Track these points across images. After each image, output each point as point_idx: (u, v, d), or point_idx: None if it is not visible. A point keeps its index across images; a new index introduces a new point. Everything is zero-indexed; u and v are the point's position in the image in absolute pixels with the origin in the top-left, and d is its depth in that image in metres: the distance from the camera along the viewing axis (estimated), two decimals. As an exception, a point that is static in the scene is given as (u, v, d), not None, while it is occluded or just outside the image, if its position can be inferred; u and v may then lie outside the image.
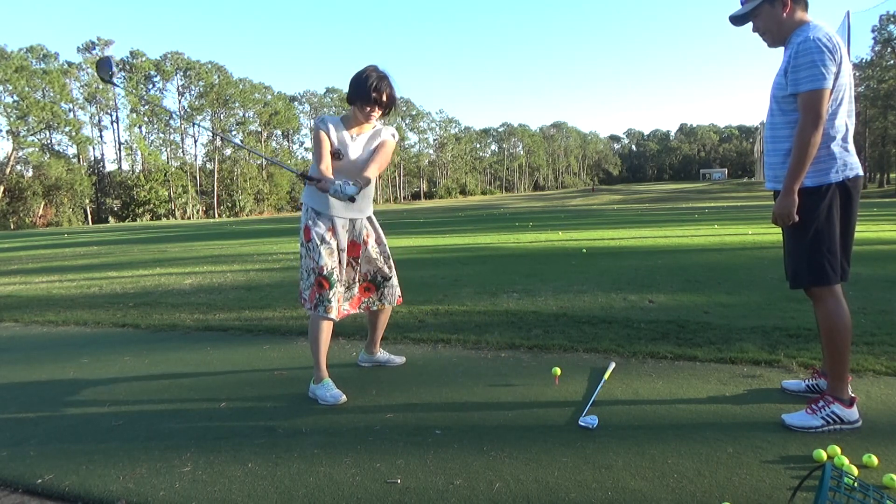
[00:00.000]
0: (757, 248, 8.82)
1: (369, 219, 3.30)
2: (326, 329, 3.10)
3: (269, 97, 75.08)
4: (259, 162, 72.32)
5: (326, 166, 3.00)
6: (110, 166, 67.59)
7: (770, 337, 3.82)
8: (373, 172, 3.01)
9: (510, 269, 7.58)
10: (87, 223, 54.27)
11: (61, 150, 58.83)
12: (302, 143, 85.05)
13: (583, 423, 2.59)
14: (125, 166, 65.51)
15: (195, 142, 70.10)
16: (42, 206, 54.00)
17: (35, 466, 2.42)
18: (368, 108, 3.06)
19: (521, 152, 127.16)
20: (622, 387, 3.06)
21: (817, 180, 2.44)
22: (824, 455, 2.19)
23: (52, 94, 55.66)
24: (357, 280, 3.30)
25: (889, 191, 47.28)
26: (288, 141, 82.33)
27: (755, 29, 2.63)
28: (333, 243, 3.10)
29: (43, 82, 54.86)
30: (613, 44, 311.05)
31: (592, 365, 3.42)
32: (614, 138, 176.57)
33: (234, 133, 71.17)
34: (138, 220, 56.78)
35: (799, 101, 2.40)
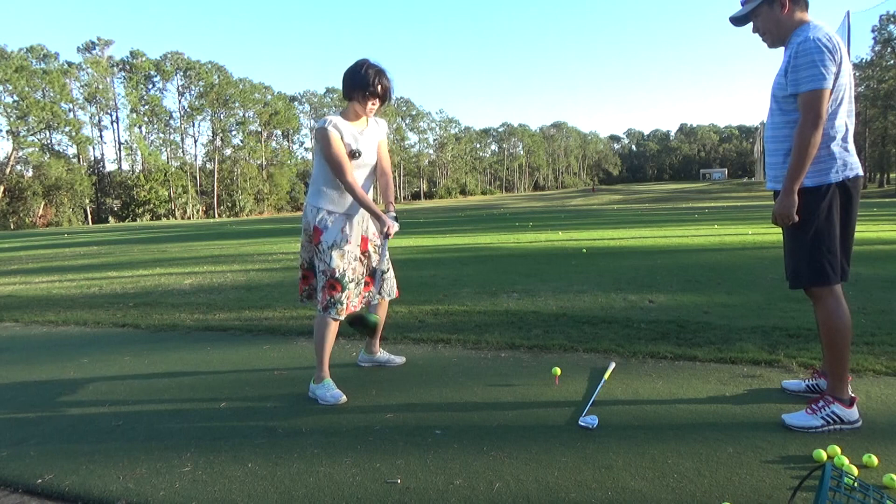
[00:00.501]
0: (757, 248, 8.83)
1: None
2: (334, 330, 3.11)
3: (269, 97, 75.05)
4: (259, 162, 72.33)
5: (353, 175, 3.03)
6: (110, 166, 67.60)
7: (770, 337, 3.82)
8: (392, 183, 3.31)
9: (510, 269, 7.58)
10: (87, 223, 54.26)
11: (61, 150, 58.82)
12: (302, 143, 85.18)
13: (583, 423, 2.59)
14: (125, 166, 65.53)
15: (195, 142, 70.17)
16: (42, 206, 54.00)
17: (35, 466, 2.42)
18: (371, 102, 3.08)
19: (521, 152, 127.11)
20: (622, 387, 3.06)
21: (817, 180, 2.44)
22: (824, 455, 2.19)
23: (52, 94, 55.67)
24: (365, 274, 3.32)
25: (889, 191, 47.29)
26: (288, 141, 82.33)
27: (755, 30, 2.63)
28: (346, 246, 3.09)
29: (43, 82, 54.86)
30: (613, 44, 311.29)
31: (592, 365, 3.42)
32: (614, 138, 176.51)
33: (234, 133, 71.21)
34: (138, 220, 56.77)
35: (799, 101, 2.40)
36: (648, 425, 2.58)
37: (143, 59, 64.46)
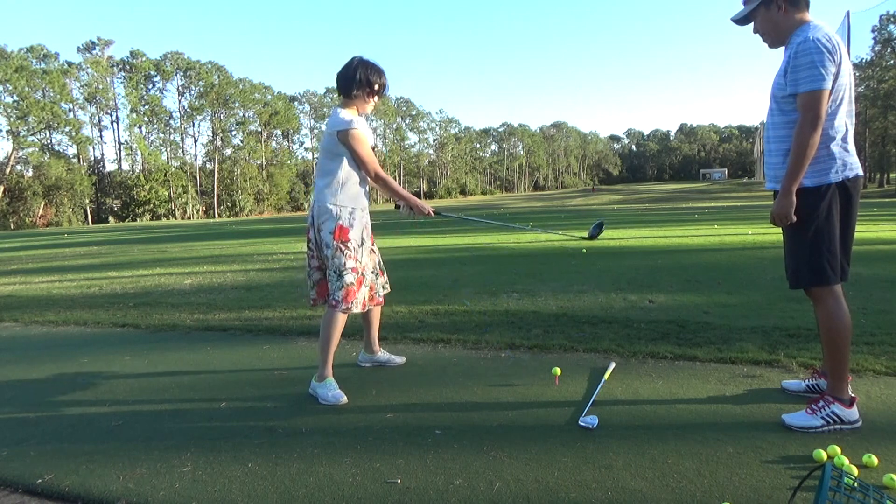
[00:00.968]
0: (757, 248, 8.82)
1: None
2: (342, 326, 3.15)
3: (269, 97, 74.99)
4: (259, 162, 72.34)
5: (378, 167, 3.10)
6: (110, 166, 67.54)
7: (770, 337, 3.82)
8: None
9: (510, 269, 7.58)
10: (87, 223, 54.24)
11: (61, 150, 58.74)
12: (302, 144, 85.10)
13: (583, 423, 2.59)
14: (125, 166, 65.48)
15: (195, 142, 70.13)
16: (42, 206, 53.97)
17: (35, 466, 2.42)
18: (373, 99, 3.17)
19: (521, 152, 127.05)
20: (622, 387, 3.06)
21: (817, 180, 2.44)
22: (824, 455, 2.19)
23: (52, 94, 55.61)
24: (377, 267, 3.41)
25: (889, 191, 47.29)
26: (288, 141, 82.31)
27: (755, 30, 2.63)
28: (367, 242, 3.22)
29: (43, 82, 54.81)
30: (614, 44, 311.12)
31: (592, 365, 3.42)
32: (614, 138, 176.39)
33: (234, 133, 71.19)
34: (138, 220, 56.75)
35: (798, 101, 2.40)
36: (648, 425, 2.58)
37: (143, 59, 64.41)
